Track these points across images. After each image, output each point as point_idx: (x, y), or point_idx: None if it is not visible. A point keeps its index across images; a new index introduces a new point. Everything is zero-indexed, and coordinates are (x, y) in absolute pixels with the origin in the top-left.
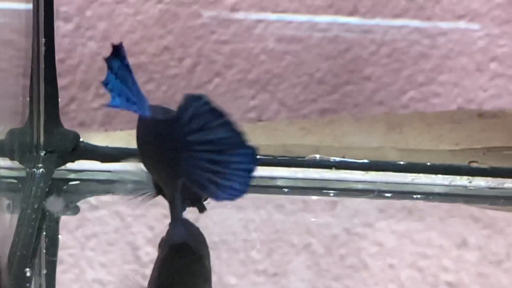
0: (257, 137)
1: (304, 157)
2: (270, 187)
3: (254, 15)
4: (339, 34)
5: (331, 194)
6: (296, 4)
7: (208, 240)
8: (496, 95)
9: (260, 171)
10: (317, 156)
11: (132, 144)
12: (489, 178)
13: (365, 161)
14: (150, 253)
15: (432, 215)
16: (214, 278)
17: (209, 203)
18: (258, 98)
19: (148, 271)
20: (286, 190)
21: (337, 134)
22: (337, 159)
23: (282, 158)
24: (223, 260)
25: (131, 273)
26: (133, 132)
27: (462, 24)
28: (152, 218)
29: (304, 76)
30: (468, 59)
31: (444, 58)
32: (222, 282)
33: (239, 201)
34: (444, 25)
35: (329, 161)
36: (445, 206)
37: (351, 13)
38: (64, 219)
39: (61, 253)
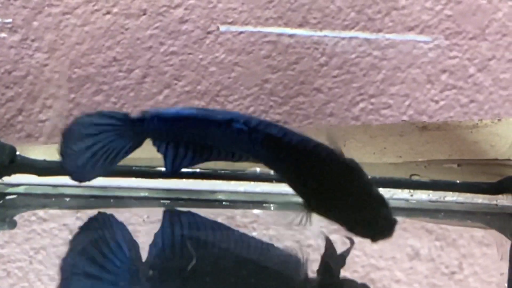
0: None
1: (244, 171)
2: (210, 201)
3: (203, 26)
4: (289, 46)
5: (272, 208)
6: (245, 15)
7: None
8: (447, 107)
9: (201, 185)
10: (258, 169)
11: None
12: (430, 191)
13: None
14: None
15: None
16: None
17: None
18: None
19: None
20: (226, 203)
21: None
22: None
23: (222, 171)
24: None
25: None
26: None
27: (412, 36)
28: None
29: (254, 87)
30: (419, 71)
31: (395, 69)
32: None
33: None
34: (394, 37)
35: (270, 174)
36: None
37: (301, 25)
38: (13, 232)
39: (9, 267)
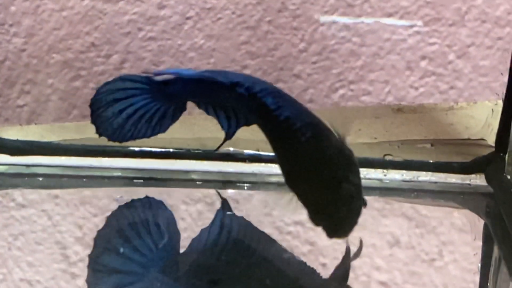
0: (174, 131)
1: (217, 150)
2: (184, 181)
3: (182, 12)
4: (268, 32)
5: (245, 188)
6: (224, 1)
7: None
8: (427, 93)
9: (174, 164)
10: (231, 149)
11: (45, 138)
12: (404, 171)
13: None
14: (79, 252)
15: (364, 214)
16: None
17: None
18: None
19: (77, 270)
20: (199, 183)
21: (254, 128)
22: (251, 152)
23: (195, 151)
24: None
25: (59, 273)
26: (48, 127)
27: (392, 22)
28: (80, 216)
29: None
30: (398, 57)
31: (374, 56)
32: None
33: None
34: (373, 23)
35: (243, 154)
36: (378, 205)
37: (280, 11)
38: None
39: None
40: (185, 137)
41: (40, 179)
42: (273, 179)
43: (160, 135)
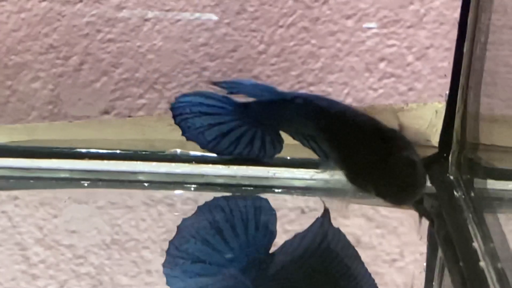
0: (124, 132)
1: (164, 152)
2: (131, 182)
3: (141, 14)
4: (227, 33)
5: (192, 189)
6: (183, 2)
7: (98, 239)
8: (386, 95)
9: (122, 166)
10: (178, 150)
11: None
12: None
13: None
14: (39, 253)
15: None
16: (105, 278)
17: None
18: (146, 97)
19: (37, 271)
20: (146, 184)
21: None
22: (198, 153)
23: (143, 152)
24: (114, 260)
25: (19, 275)
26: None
27: (350, 24)
28: (40, 218)
29: (192, 75)
30: (357, 59)
31: (333, 58)
32: (114, 282)
33: (126, 200)
34: (332, 25)
35: (189, 155)
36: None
37: (239, 12)
38: None
39: None
40: (134, 138)
41: None
42: (220, 180)
43: (108, 136)
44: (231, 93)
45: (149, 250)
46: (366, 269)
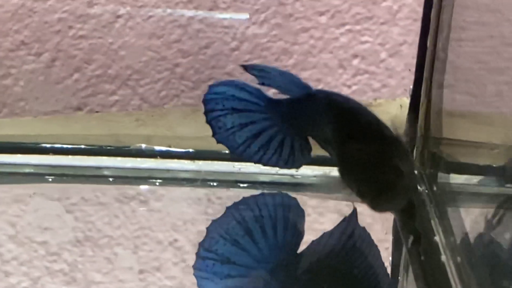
0: (91, 127)
1: (129, 147)
2: (96, 177)
3: (113, 10)
4: (199, 30)
5: (157, 184)
6: None
7: (72, 236)
8: (360, 92)
9: (86, 161)
10: (143, 145)
11: None
12: (315, 167)
13: (190, 150)
14: (12, 250)
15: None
16: (79, 275)
17: None
18: (119, 94)
19: (10, 268)
20: (112, 179)
21: (171, 125)
22: (163, 148)
23: (108, 147)
24: (87, 257)
25: None
26: None
27: (323, 21)
28: (13, 214)
29: (165, 71)
30: (331, 56)
31: (307, 54)
32: (87, 279)
33: (99, 196)
34: (305, 21)
35: (154, 150)
36: (313, 202)
37: (211, 9)
38: None
39: None
40: (100, 133)
41: None
42: (185, 175)
43: (74, 131)
44: (263, 84)
45: (121, 247)
46: (386, 269)
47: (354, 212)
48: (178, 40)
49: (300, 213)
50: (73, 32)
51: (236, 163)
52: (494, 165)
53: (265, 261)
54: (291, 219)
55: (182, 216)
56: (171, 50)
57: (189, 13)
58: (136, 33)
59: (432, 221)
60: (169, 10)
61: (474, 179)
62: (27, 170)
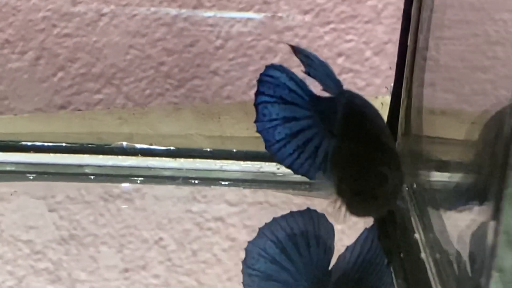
0: (72, 126)
1: (110, 145)
2: (77, 175)
3: (97, 8)
4: (184, 28)
5: (138, 182)
6: None
7: (56, 235)
8: None
9: (67, 159)
10: (124, 143)
11: None
12: None
13: (171, 148)
14: None
15: (282, 209)
16: (63, 274)
17: None
18: (104, 92)
19: None
20: (92, 177)
21: (153, 124)
22: (144, 146)
23: (89, 145)
24: (72, 256)
25: None
26: None
27: (308, 19)
28: None
29: (150, 70)
30: (316, 54)
31: (291, 53)
32: (72, 277)
33: (84, 195)
34: (290, 20)
35: (135, 148)
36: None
37: (196, 7)
38: None
39: None
40: (81, 131)
41: None
42: (166, 173)
43: (56, 129)
44: (308, 73)
45: (106, 245)
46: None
47: (375, 224)
48: (162, 39)
49: (329, 228)
50: (57, 30)
51: (218, 161)
52: (475, 163)
53: (301, 278)
54: (322, 235)
55: (167, 215)
56: (156, 49)
57: (174, 11)
58: (121, 31)
59: (412, 219)
60: (153, 9)
61: (454, 176)
62: (8, 168)
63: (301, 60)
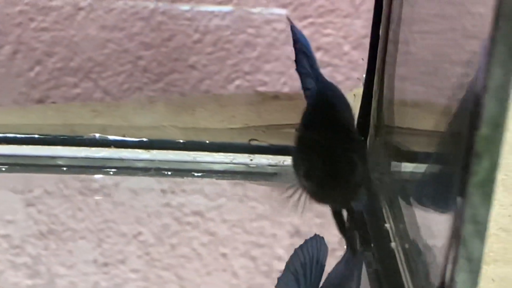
0: (46, 118)
1: (83, 136)
2: (50, 166)
3: (74, 2)
4: (162, 22)
5: (111, 173)
6: None
7: (35, 229)
8: None
9: (40, 150)
10: (97, 135)
11: None
12: (270, 156)
13: (144, 139)
14: None
15: (264, 205)
16: (42, 269)
17: None
18: (81, 87)
19: None
20: (65, 169)
21: (127, 116)
22: (117, 138)
23: (61, 137)
24: (51, 250)
25: None
26: None
27: (287, 13)
28: None
29: (127, 64)
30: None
31: (270, 47)
32: (51, 272)
33: (63, 189)
34: (268, 14)
35: (108, 139)
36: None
37: (174, 1)
38: None
39: None
40: (56, 123)
41: None
42: (139, 165)
43: (32, 121)
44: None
45: (85, 240)
46: None
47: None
48: (140, 33)
49: (325, 250)
50: (34, 24)
51: (191, 152)
52: (444, 153)
53: None
54: (321, 259)
55: (146, 209)
56: (133, 43)
57: (151, 5)
58: (98, 25)
59: (383, 209)
60: (131, 3)
61: (424, 167)
62: None
63: (293, 33)
